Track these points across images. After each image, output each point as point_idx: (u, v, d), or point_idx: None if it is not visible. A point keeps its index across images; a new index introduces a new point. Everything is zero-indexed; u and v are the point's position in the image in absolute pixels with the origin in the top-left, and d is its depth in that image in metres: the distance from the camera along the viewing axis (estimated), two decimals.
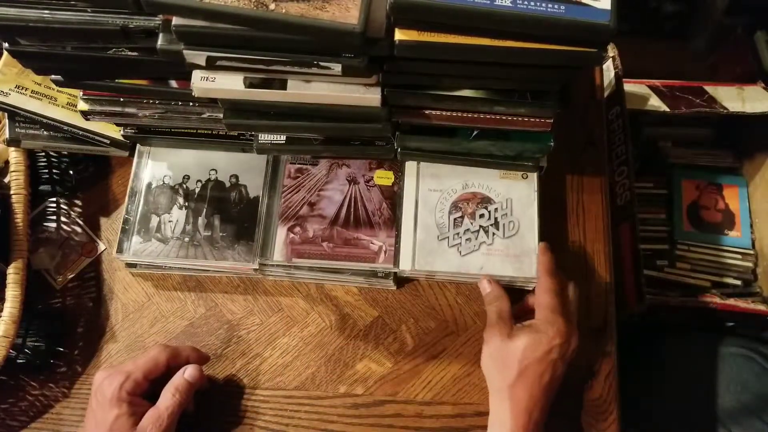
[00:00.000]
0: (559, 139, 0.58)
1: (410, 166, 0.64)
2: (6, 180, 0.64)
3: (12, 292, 0.58)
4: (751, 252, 1.01)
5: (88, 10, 0.45)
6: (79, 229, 0.68)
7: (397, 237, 0.61)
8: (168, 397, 0.53)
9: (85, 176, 0.70)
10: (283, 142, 0.59)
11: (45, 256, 0.66)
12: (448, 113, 0.53)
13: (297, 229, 0.62)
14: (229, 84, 0.48)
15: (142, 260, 0.63)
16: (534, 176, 0.63)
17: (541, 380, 0.51)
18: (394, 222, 0.62)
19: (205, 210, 0.64)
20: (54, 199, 0.68)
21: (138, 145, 0.66)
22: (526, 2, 0.40)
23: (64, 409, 0.61)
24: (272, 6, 0.40)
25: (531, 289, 0.62)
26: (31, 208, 0.65)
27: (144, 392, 0.53)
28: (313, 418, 0.59)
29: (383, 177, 0.64)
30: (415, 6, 0.40)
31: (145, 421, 0.51)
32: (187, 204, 0.64)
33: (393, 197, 0.63)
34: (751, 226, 1.03)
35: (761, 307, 0.88)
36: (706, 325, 0.94)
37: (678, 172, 1.06)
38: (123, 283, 0.65)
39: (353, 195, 0.64)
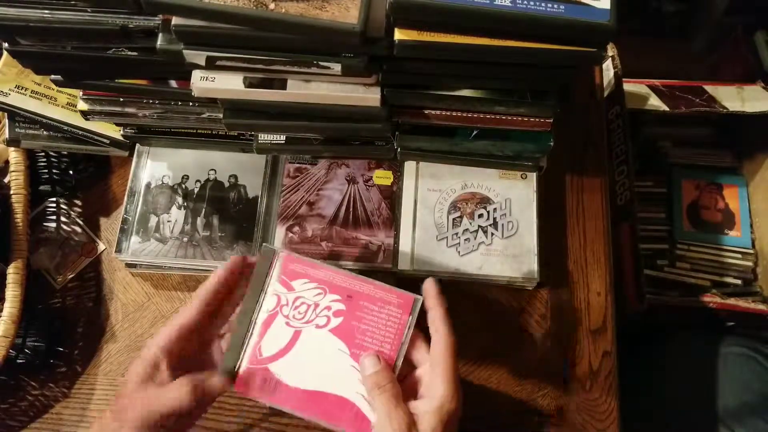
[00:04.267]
0: (559, 139, 0.58)
1: (409, 166, 0.64)
2: (6, 180, 0.64)
3: (12, 292, 0.58)
4: (751, 251, 1.01)
5: (88, 9, 0.45)
6: (78, 229, 0.68)
7: (396, 237, 0.61)
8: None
9: (84, 176, 0.70)
10: (283, 142, 0.59)
11: (45, 256, 0.66)
12: (448, 113, 0.53)
13: (296, 228, 0.62)
14: (229, 84, 0.48)
15: (141, 260, 0.63)
16: (533, 176, 0.63)
17: None
18: (393, 222, 0.62)
19: (203, 210, 0.64)
20: (54, 199, 0.68)
21: (137, 145, 0.66)
22: (525, 2, 0.40)
23: (64, 409, 0.61)
24: (272, 6, 0.40)
25: (530, 288, 0.62)
26: (31, 208, 0.65)
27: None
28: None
29: (382, 177, 0.64)
30: (415, 5, 0.40)
31: None
32: (185, 204, 0.64)
33: (392, 197, 0.63)
34: (751, 225, 1.03)
35: (761, 307, 0.88)
36: (706, 325, 0.94)
37: (678, 172, 1.06)
38: (123, 283, 0.65)
39: (352, 194, 0.64)
